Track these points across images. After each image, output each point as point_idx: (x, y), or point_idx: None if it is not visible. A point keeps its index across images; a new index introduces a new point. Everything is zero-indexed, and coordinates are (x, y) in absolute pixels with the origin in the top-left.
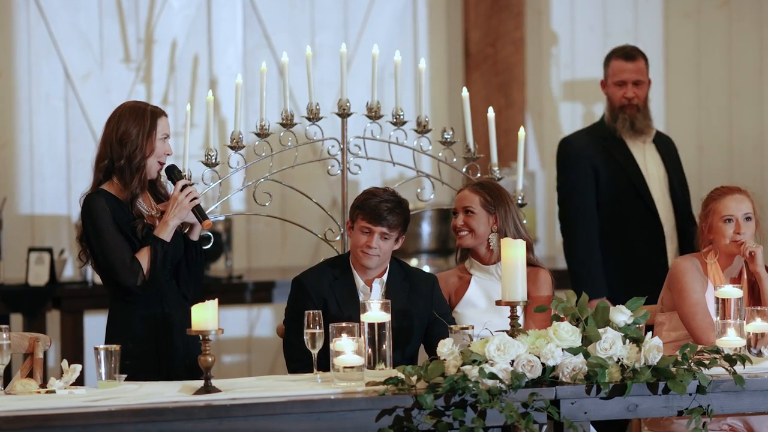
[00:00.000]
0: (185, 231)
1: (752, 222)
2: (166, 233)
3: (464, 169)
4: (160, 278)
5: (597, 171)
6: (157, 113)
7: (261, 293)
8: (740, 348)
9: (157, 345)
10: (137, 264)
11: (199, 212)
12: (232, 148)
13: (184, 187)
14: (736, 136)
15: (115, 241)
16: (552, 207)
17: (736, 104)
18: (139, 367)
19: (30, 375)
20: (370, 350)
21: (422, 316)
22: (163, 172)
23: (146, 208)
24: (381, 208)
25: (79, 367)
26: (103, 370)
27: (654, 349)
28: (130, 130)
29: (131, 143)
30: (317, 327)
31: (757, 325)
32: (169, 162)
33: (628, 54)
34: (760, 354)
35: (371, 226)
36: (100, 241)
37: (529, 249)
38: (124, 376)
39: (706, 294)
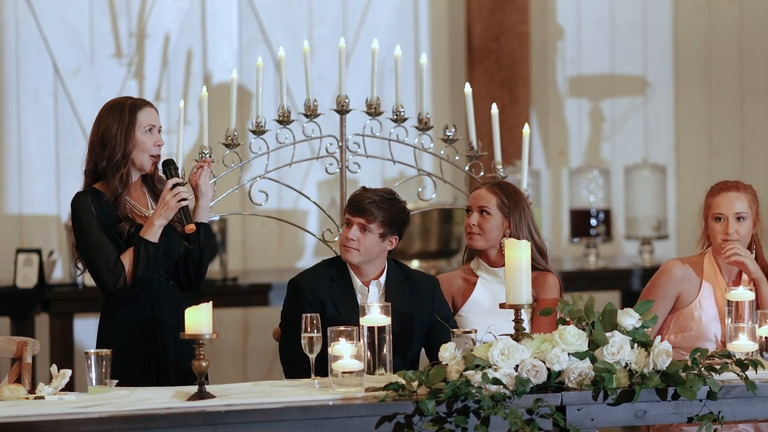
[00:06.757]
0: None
1: (746, 222)
2: (151, 234)
3: (467, 168)
4: (145, 280)
5: None
6: (137, 105)
7: (257, 295)
8: (752, 352)
9: (146, 350)
10: (120, 265)
11: (184, 214)
12: (226, 146)
13: (174, 186)
14: (748, 133)
15: (99, 241)
16: (556, 207)
17: (747, 100)
18: (126, 372)
19: (18, 380)
20: (369, 355)
21: (423, 319)
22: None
23: (141, 208)
24: (363, 199)
25: (68, 372)
26: (93, 375)
27: (663, 353)
28: (111, 128)
29: (111, 142)
30: (315, 330)
31: None
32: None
33: None
34: None
35: (350, 217)
36: (85, 242)
37: (543, 255)
38: (116, 381)
39: (698, 295)
